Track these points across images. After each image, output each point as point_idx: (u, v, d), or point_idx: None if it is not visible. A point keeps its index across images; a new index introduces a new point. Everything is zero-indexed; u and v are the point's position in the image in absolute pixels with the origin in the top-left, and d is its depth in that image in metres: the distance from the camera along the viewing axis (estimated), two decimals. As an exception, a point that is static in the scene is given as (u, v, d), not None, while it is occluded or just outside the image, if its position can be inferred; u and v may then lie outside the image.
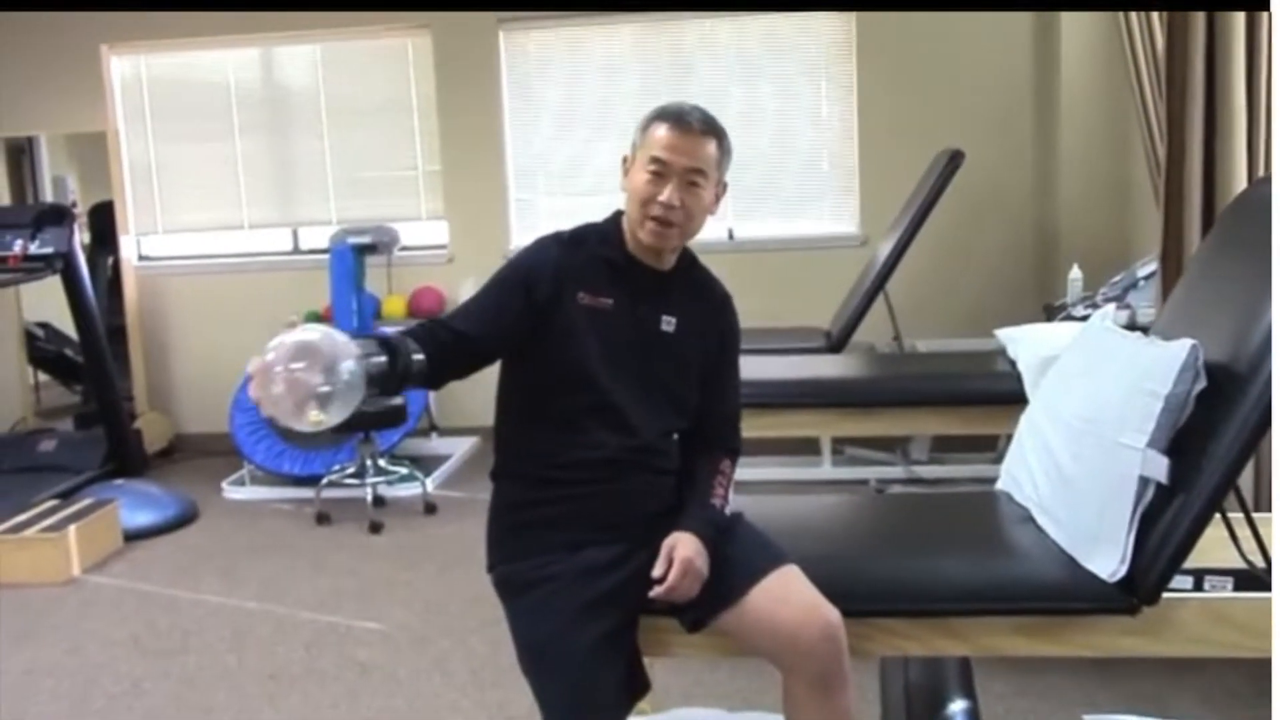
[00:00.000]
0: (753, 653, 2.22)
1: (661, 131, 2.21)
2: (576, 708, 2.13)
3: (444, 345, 2.14)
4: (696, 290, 2.38)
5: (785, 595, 2.13)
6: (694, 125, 2.22)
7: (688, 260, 2.38)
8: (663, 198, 2.19)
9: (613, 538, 2.22)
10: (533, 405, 2.28)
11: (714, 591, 2.15)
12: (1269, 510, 2.90)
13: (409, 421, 5.64)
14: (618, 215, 2.33)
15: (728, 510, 2.32)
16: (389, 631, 3.96)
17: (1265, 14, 2.85)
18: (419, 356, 2.06)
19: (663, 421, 2.30)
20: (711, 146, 2.23)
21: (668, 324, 2.29)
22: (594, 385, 2.22)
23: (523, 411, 2.30)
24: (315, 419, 1.82)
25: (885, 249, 5.22)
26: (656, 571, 2.13)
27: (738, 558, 2.18)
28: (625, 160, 2.30)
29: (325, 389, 1.81)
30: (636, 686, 2.20)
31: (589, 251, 2.30)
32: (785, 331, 5.34)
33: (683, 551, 2.14)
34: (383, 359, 1.97)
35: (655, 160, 2.20)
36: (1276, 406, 2.05)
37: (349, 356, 1.84)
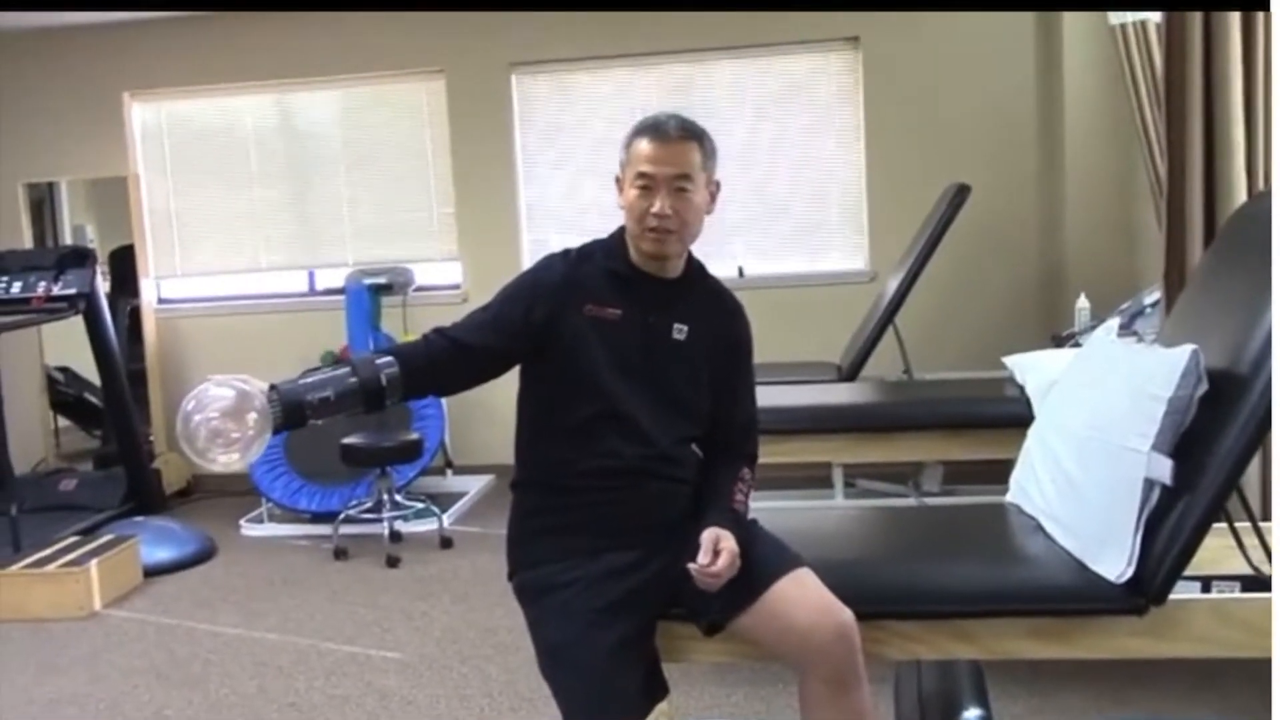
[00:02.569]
0: (769, 654, 2.27)
1: (643, 145, 2.29)
2: (597, 709, 2.17)
3: (439, 356, 2.26)
4: (707, 299, 2.44)
5: (800, 596, 2.18)
6: (671, 133, 2.29)
7: (697, 269, 2.45)
8: (654, 209, 2.26)
9: (631, 543, 2.27)
10: (548, 416, 2.34)
11: (732, 593, 2.19)
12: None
13: (424, 457, 5.70)
14: (621, 230, 2.40)
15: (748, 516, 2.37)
16: (407, 660, 3.99)
17: (1262, 21, 2.92)
18: (391, 370, 2.20)
19: (677, 429, 2.35)
20: (693, 150, 2.30)
21: (679, 332, 2.35)
22: (605, 394, 2.28)
23: (539, 422, 2.36)
24: (227, 461, 2.12)
25: (894, 283, 5.28)
26: (703, 559, 2.16)
27: (754, 561, 2.22)
28: (617, 180, 2.37)
29: (235, 435, 2.09)
30: (655, 690, 2.24)
31: (595, 265, 2.37)
32: (796, 366, 5.39)
33: (729, 543, 2.19)
34: (353, 380, 2.20)
35: (641, 175, 2.28)
36: (1277, 416, 2.10)
37: (253, 409, 2.10)
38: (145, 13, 6.36)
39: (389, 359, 2.21)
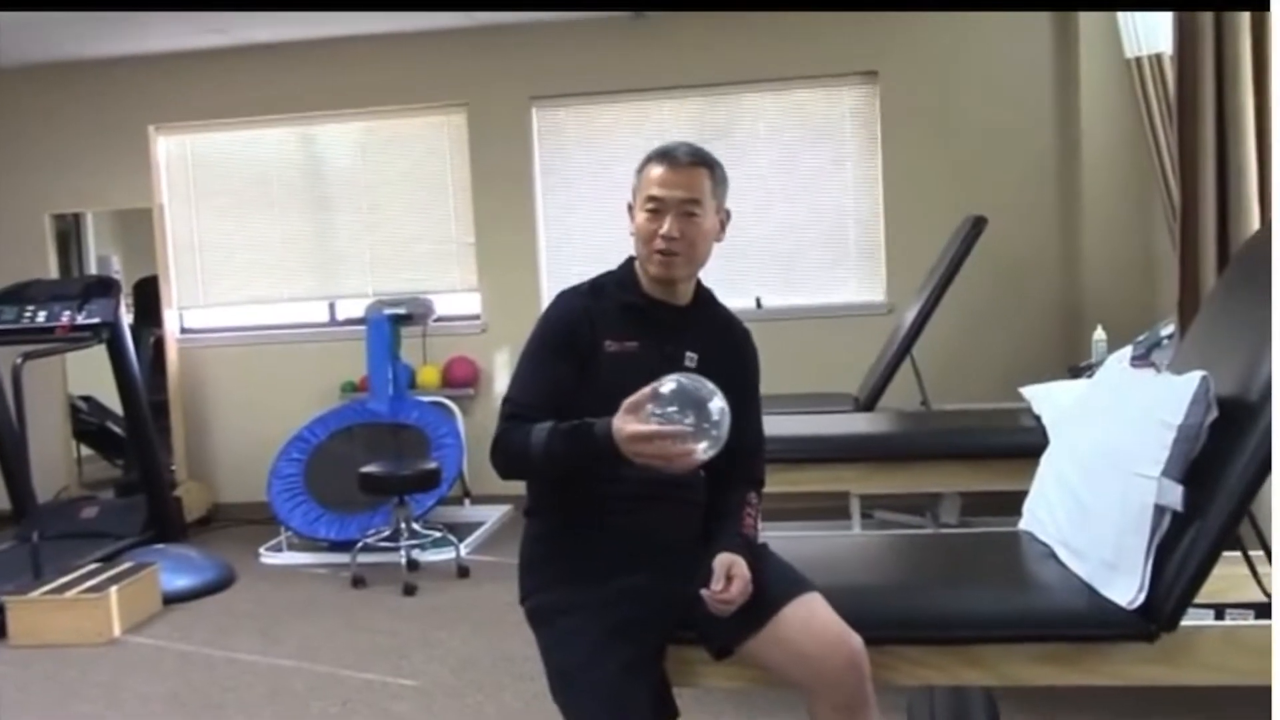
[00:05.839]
0: (778, 679, 2.27)
1: (654, 171, 2.34)
2: (608, 732, 2.18)
3: None
4: (717, 326, 2.47)
5: (809, 622, 2.19)
6: (682, 159, 2.33)
7: (706, 296, 2.48)
8: (662, 231, 2.30)
9: (641, 566, 2.29)
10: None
11: (741, 618, 2.20)
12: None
13: (442, 487, 5.72)
14: (630, 261, 2.44)
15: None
16: (423, 687, 4.00)
17: (1269, 32, 2.94)
18: None
19: (689, 454, 2.36)
20: (703, 176, 2.34)
21: (690, 359, 2.37)
22: None
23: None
24: (700, 454, 2.09)
25: (911, 314, 5.29)
26: (716, 585, 2.17)
27: (764, 586, 2.23)
28: (630, 208, 2.41)
29: (693, 428, 2.06)
30: (664, 713, 2.25)
31: (609, 298, 2.40)
32: (813, 397, 5.40)
33: (741, 569, 2.20)
34: None
35: (651, 199, 2.32)
36: (1277, 440, 2.10)
37: (717, 395, 2.08)
38: (170, 47, 6.46)
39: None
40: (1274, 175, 2.98)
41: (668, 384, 2.09)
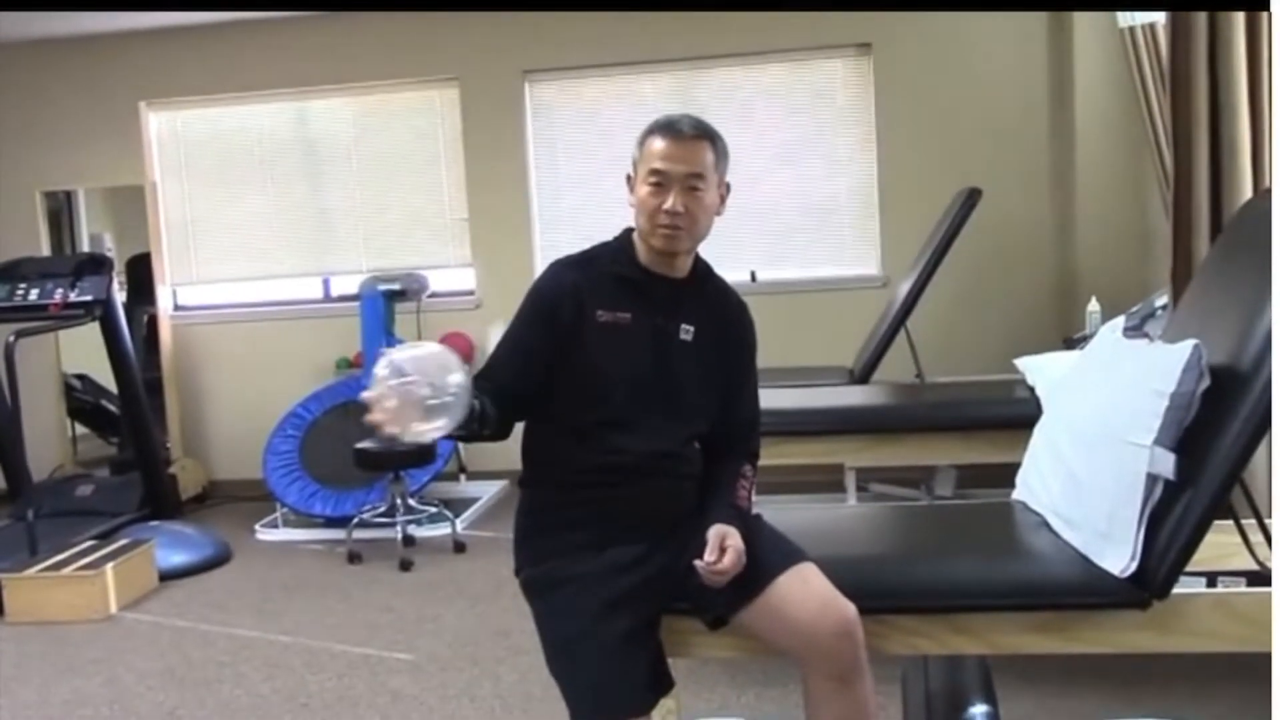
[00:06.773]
0: (772, 649, 2.28)
1: (657, 143, 2.30)
2: (604, 703, 2.19)
3: (495, 400, 2.20)
4: (713, 298, 2.45)
5: (803, 591, 2.19)
6: (686, 132, 2.29)
7: (703, 269, 2.45)
8: (666, 205, 2.26)
9: (636, 537, 2.29)
10: (556, 417, 2.34)
11: (735, 588, 2.20)
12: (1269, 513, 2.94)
13: (438, 462, 5.73)
14: (628, 232, 2.41)
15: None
16: (419, 661, 4.01)
17: (1265, 19, 2.93)
18: (492, 410, 2.16)
19: (684, 427, 2.37)
20: (706, 149, 2.30)
21: (686, 332, 2.36)
22: (614, 399, 2.30)
23: (546, 423, 2.37)
24: (425, 429, 1.98)
25: (905, 287, 5.29)
26: (709, 556, 2.16)
27: (757, 556, 2.23)
28: (629, 178, 2.38)
29: (433, 401, 1.95)
30: (661, 684, 2.25)
31: (602, 269, 2.37)
32: (809, 370, 5.40)
33: (735, 540, 2.20)
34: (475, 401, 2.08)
35: (654, 172, 2.28)
36: (1276, 412, 2.10)
37: (457, 369, 1.98)
38: (161, 22, 6.43)
39: (476, 393, 2.12)
40: (1275, 168, 2.97)
41: (401, 350, 2.01)
